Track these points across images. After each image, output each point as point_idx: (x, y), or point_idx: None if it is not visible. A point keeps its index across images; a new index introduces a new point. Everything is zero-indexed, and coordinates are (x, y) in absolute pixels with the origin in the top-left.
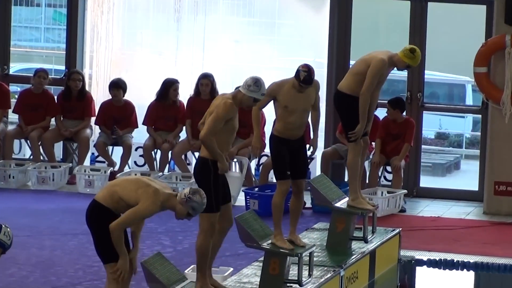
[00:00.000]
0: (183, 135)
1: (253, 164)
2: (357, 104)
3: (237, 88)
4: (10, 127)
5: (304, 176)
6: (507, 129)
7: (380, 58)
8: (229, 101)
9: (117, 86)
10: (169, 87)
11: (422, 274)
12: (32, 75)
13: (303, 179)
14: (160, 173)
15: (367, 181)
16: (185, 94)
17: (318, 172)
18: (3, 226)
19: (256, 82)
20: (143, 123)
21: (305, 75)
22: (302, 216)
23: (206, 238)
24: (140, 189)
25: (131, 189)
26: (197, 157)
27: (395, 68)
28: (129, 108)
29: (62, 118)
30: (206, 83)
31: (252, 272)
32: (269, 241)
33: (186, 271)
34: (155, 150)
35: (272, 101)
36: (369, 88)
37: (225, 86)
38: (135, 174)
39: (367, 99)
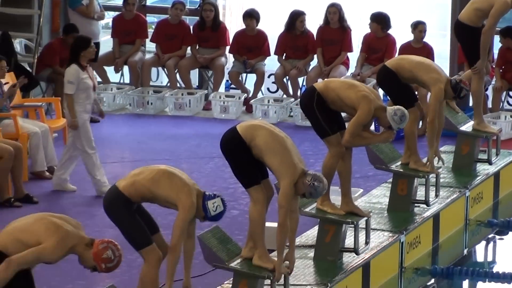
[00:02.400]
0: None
1: None
2: (475, 35)
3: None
4: (148, 56)
5: None
6: None
7: (504, 1)
8: (372, 108)
9: (251, 16)
10: (296, 18)
11: None
12: (169, 6)
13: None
14: (292, 99)
15: (489, 106)
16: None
17: None
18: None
19: (401, 118)
20: (274, 53)
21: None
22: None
23: (257, 207)
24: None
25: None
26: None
27: None
28: (261, 37)
29: (197, 47)
30: (334, 11)
31: (381, 193)
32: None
33: None
34: (287, 77)
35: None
36: (492, 27)
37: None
38: (269, 101)
39: (489, 37)
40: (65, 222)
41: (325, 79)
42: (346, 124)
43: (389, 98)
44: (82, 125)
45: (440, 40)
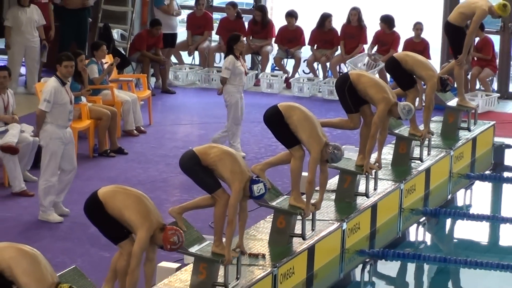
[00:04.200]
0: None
1: None
2: (460, 33)
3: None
4: (213, 44)
5: None
6: None
7: (483, 9)
8: (387, 109)
9: (291, 15)
10: (325, 19)
11: (510, 155)
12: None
13: None
14: (321, 79)
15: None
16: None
17: None
18: (262, 182)
19: (408, 111)
20: (308, 44)
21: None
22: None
23: (297, 162)
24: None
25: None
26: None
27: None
28: (299, 31)
29: (251, 38)
30: (354, 13)
31: (387, 151)
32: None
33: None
34: (317, 62)
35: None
36: (474, 31)
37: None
38: (303, 80)
39: (471, 38)
40: (150, 207)
41: (359, 71)
42: None
43: (394, 81)
44: (234, 103)
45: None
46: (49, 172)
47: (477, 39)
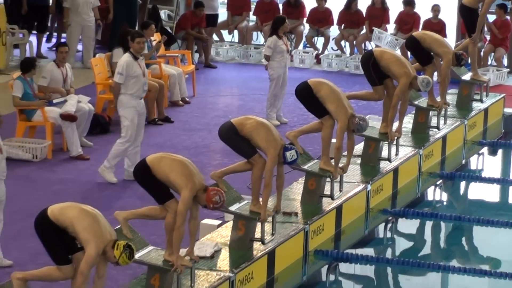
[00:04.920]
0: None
1: None
2: (473, 14)
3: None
4: (251, 24)
5: None
6: None
7: None
8: (409, 82)
9: None
10: (352, 1)
11: None
12: None
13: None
14: (348, 55)
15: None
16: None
17: None
18: (294, 149)
19: (427, 84)
20: (337, 24)
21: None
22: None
23: (328, 130)
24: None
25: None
26: None
27: None
28: (328, 12)
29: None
30: None
31: (407, 120)
32: None
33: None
34: (344, 40)
35: None
36: (486, 12)
37: None
38: (332, 56)
39: (483, 19)
40: (193, 170)
41: (382, 49)
42: None
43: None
44: (276, 77)
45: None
46: (126, 137)
47: (493, 17)
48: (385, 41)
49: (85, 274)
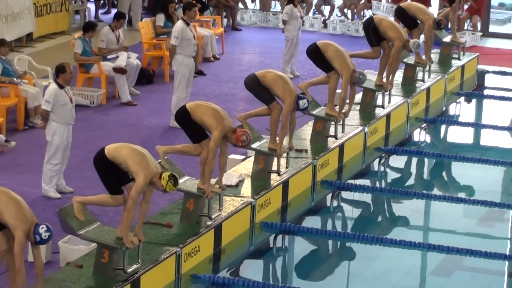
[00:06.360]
0: None
1: None
2: None
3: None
4: None
5: None
6: None
7: None
8: (402, 44)
9: None
10: None
11: (490, 78)
12: None
13: None
14: (349, 20)
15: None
16: None
17: None
18: (305, 98)
19: (418, 46)
20: None
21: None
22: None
23: (334, 82)
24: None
25: None
26: None
27: None
28: None
29: None
30: None
31: (398, 75)
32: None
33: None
34: (347, 8)
35: None
36: None
37: None
38: (336, 22)
39: None
40: (223, 114)
41: (381, 16)
42: None
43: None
44: (291, 38)
45: None
46: (180, 90)
47: None
48: (383, 9)
49: (135, 199)
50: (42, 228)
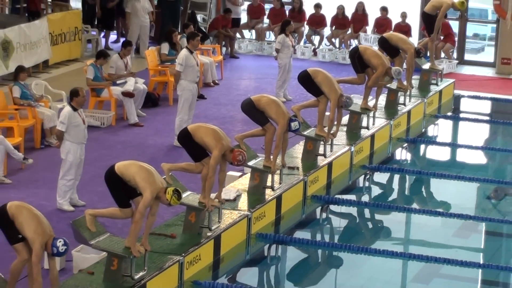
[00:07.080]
0: None
1: None
2: (432, 19)
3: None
4: (265, 25)
5: None
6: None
7: (448, 4)
8: (384, 70)
9: (318, 6)
10: (340, 10)
11: (465, 102)
12: None
13: None
14: (337, 50)
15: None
16: None
17: None
18: (297, 121)
19: (398, 73)
20: (330, 26)
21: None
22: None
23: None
24: None
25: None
26: None
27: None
28: (323, 17)
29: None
30: (360, 5)
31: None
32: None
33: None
34: (335, 38)
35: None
36: (441, 18)
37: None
38: (325, 50)
39: (440, 23)
40: (222, 135)
41: (365, 46)
42: None
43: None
44: (284, 65)
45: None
46: (183, 113)
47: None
48: (370, 40)
49: (142, 212)
50: (60, 242)
